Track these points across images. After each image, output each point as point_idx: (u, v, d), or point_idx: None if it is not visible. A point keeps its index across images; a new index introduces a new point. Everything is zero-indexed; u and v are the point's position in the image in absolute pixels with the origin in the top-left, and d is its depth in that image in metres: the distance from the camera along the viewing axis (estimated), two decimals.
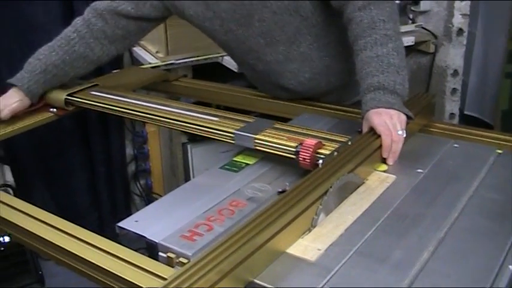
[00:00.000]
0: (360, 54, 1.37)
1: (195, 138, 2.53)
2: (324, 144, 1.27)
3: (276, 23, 1.52)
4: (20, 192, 2.72)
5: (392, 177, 1.23)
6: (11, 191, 2.68)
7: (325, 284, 0.90)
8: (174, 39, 2.38)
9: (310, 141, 1.25)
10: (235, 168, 1.33)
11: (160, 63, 2.36)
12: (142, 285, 0.95)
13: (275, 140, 1.31)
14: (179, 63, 2.40)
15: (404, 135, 1.29)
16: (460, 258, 0.96)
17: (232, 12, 1.52)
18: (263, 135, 1.34)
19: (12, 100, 1.66)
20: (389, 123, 1.28)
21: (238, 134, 1.36)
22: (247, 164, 1.35)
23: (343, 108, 1.62)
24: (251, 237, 0.93)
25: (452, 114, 2.86)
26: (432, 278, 0.91)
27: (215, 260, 0.88)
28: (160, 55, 2.41)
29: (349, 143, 1.27)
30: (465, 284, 0.90)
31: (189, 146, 2.57)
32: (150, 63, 2.38)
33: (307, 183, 1.09)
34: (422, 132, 1.46)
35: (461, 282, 0.90)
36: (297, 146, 1.26)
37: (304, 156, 1.24)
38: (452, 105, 2.86)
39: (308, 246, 1.00)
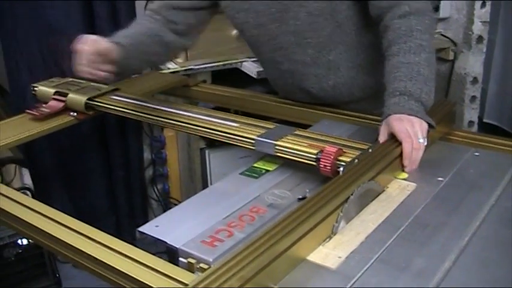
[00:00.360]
0: (392, 59, 1.37)
1: (213, 144, 2.53)
2: (345, 152, 1.27)
3: (310, 24, 1.52)
4: (39, 195, 2.73)
5: (412, 185, 1.23)
6: (29, 194, 2.69)
7: None
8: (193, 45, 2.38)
9: (331, 148, 1.25)
10: (255, 174, 1.33)
11: (179, 69, 2.37)
12: None
13: (296, 147, 1.31)
14: (198, 68, 2.40)
15: (425, 144, 1.28)
16: (482, 267, 0.95)
17: (269, 6, 1.52)
18: (283, 141, 1.34)
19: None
20: (411, 130, 1.27)
21: (259, 140, 1.37)
22: (267, 170, 1.35)
23: (362, 115, 1.62)
24: (272, 244, 0.93)
25: (471, 122, 2.85)
26: (454, 287, 0.91)
27: (236, 266, 0.88)
28: (179, 60, 2.42)
29: (370, 151, 1.26)
30: None
31: (207, 152, 2.58)
32: (169, 69, 2.39)
33: (328, 191, 1.09)
34: (443, 140, 1.45)
35: None
36: (317, 153, 1.26)
37: (325, 163, 1.23)
38: (471, 113, 2.85)
39: (329, 253, 1.00)
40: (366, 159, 1.22)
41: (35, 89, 1.90)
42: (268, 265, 0.91)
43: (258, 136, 1.37)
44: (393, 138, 1.29)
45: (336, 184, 1.12)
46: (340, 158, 1.25)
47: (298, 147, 1.30)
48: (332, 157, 1.23)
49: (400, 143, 1.27)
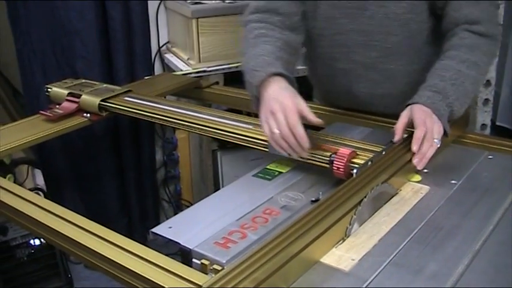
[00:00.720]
0: (445, 60, 1.38)
1: (225, 146, 2.53)
2: (358, 154, 1.27)
3: (383, 27, 1.48)
4: (51, 196, 2.75)
5: (426, 188, 1.23)
6: (41, 195, 2.70)
7: None
8: (206, 47, 2.39)
9: (345, 151, 1.25)
10: (268, 176, 1.33)
11: (191, 71, 2.37)
12: None
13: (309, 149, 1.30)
14: (211, 70, 2.40)
15: (438, 145, 1.27)
16: (496, 271, 0.95)
17: (346, 0, 1.48)
18: None
19: (287, 99, 1.28)
20: (429, 124, 1.27)
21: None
22: (280, 172, 1.35)
23: (375, 118, 1.61)
24: (286, 246, 0.93)
25: (483, 125, 2.83)
26: None
27: (250, 267, 0.89)
28: (192, 62, 2.42)
29: (383, 153, 1.26)
30: None
31: (219, 153, 2.58)
32: (181, 71, 2.39)
33: (341, 193, 1.09)
34: (456, 144, 1.45)
35: None
36: (331, 155, 1.26)
37: (338, 166, 1.23)
38: (484, 116, 2.83)
39: (342, 256, 1.00)
40: (380, 161, 1.22)
41: (49, 90, 1.90)
42: (281, 267, 0.91)
43: None
44: (407, 137, 1.29)
45: (349, 186, 1.12)
46: (354, 160, 1.24)
47: (312, 150, 1.29)
48: (345, 159, 1.23)
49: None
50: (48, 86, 1.92)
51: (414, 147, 1.25)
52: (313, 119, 1.27)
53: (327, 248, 1.02)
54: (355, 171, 1.20)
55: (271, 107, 1.27)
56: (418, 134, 1.25)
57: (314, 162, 1.29)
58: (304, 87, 1.54)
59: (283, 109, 1.25)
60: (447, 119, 1.31)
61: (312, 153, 1.29)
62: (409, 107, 1.32)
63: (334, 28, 1.53)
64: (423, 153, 1.25)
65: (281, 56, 1.41)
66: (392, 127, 1.34)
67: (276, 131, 1.25)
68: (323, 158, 1.27)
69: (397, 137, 1.30)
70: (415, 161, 1.25)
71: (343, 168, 1.23)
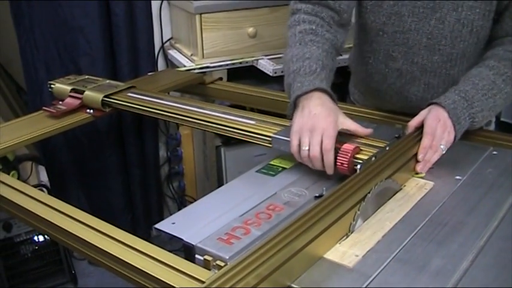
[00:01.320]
0: (483, 68, 1.36)
1: (229, 142, 2.53)
2: (362, 150, 1.26)
3: (452, 32, 1.42)
4: (54, 192, 2.75)
5: (430, 184, 1.22)
6: (45, 191, 2.71)
7: None
8: (209, 43, 2.39)
9: (349, 146, 1.24)
10: (272, 172, 1.32)
11: (195, 67, 2.37)
12: (179, 287, 0.95)
13: None
14: (214, 66, 2.40)
15: (444, 152, 1.28)
16: (501, 267, 0.95)
17: None
18: None
19: (324, 121, 1.24)
20: (439, 132, 1.27)
21: (276, 137, 1.35)
22: (283, 168, 1.34)
23: (381, 114, 1.61)
24: (289, 242, 0.93)
25: (488, 121, 2.82)
26: (473, 287, 0.90)
27: (253, 263, 0.88)
28: (195, 58, 2.42)
29: (387, 149, 1.26)
30: None
31: (222, 149, 2.58)
32: (185, 67, 2.39)
33: (345, 189, 1.08)
34: (460, 139, 1.43)
35: None
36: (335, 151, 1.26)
37: (342, 161, 1.22)
38: None
39: (346, 252, 0.99)
40: (383, 157, 1.22)
41: (52, 86, 1.90)
42: (284, 263, 0.91)
43: (275, 134, 1.37)
44: (416, 131, 1.31)
45: (353, 182, 1.11)
46: (358, 155, 1.24)
47: None
48: (349, 155, 1.22)
49: (418, 140, 1.28)
50: (51, 82, 1.91)
51: (420, 156, 1.27)
52: (362, 131, 1.30)
53: (331, 244, 1.02)
54: (358, 166, 1.20)
55: (311, 125, 1.23)
56: (425, 143, 1.27)
57: None
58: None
59: (322, 131, 1.22)
60: (464, 129, 1.31)
61: None
62: (430, 106, 1.32)
63: (397, 25, 1.47)
64: (427, 160, 1.28)
65: (327, 64, 1.37)
66: (397, 123, 1.34)
67: (305, 149, 1.23)
68: None
69: (412, 124, 1.33)
70: (418, 168, 1.27)
71: (347, 163, 1.22)
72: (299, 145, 1.24)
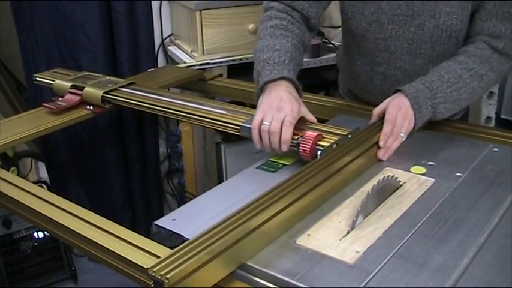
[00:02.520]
0: (451, 62, 1.40)
1: (229, 138, 2.53)
2: (324, 137, 1.30)
3: (432, 37, 1.46)
4: (54, 189, 2.75)
5: (431, 181, 1.22)
6: (45, 188, 2.71)
7: (363, 286, 0.89)
8: (209, 39, 2.39)
9: (311, 134, 1.28)
10: (272, 169, 1.33)
11: (195, 63, 2.36)
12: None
13: None
14: (214, 62, 2.40)
15: (404, 139, 1.33)
16: (502, 264, 0.94)
17: (395, 7, 1.46)
18: None
19: (289, 104, 1.32)
20: (399, 120, 1.32)
21: (244, 126, 1.40)
22: (284, 165, 1.34)
23: (364, 107, 1.62)
24: (244, 221, 0.98)
25: (488, 118, 2.82)
26: (473, 284, 0.90)
27: (207, 241, 0.94)
28: (195, 54, 2.42)
29: (349, 136, 1.31)
30: None
31: (222, 146, 2.57)
32: (185, 63, 2.39)
33: (304, 173, 1.13)
34: (461, 136, 1.44)
35: None
36: (298, 138, 1.29)
37: (304, 148, 1.27)
38: (489, 109, 2.82)
39: (346, 248, 0.99)
40: (345, 144, 1.26)
41: (37, 79, 1.90)
42: (238, 241, 0.96)
43: (243, 122, 1.41)
44: (379, 121, 1.35)
45: (312, 167, 1.15)
46: (320, 142, 1.29)
47: None
48: (311, 142, 1.27)
49: (381, 128, 1.32)
50: (36, 75, 1.97)
51: (381, 143, 1.31)
52: (311, 119, 1.38)
53: (287, 226, 1.06)
54: (319, 152, 1.25)
55: (278, 106, 1.31)
56: (385, 130, 1.32)
57: None
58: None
59: (286, 111, 1.30)
60: (425, 120, 1.35)
61: None
62: (394, 94, 1.36)
63: (378, 32, 1.52)
64: (388, 147, 1.31)
65: (295, 56, 1.44)
66: None
67: (267, 123, 1.29)
68: (291, 141, 1.30)
69: (371, 121, 1.38)
70: (380, 154, 1.31)
71: (309, 150, 1.27)
72: (261, 122, 1.31)
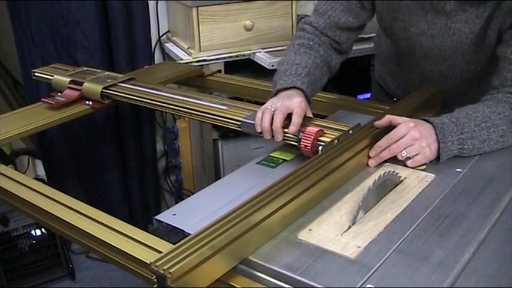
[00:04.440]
0: (479, 104, 1.34)
1: (226, 135, 2.53)
2: (325, 133, 1.30)
3: (462, 72, 1.53)
4: (52, 186, 2.74)
5: (431, 176, 1.22)
6: None
7: (365, 281, 0.89)
8: (206, 36, 2.38)
9: (312, 129, 1.28)
10: (272, 164, 1.33)
11: (192, 60, 2.36)
12: None
13: None
14: (211, 59, 2.39)
15: (403, 158, 1.26)
16: (502, 259, 0.95)
17: (428, 48, 1.51)
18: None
19: (299, 98, 1.37)
20: (409, 137, 1.25)
21: (245, 121, 1.40)
22: (284, 160, 1.35)
23: (379, 106, 1.62)
24: (245, 217, 0.98)
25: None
26: (475, 278, 0.90)
27: (209, 236, 0.93)
28: (192, 51, 2.41)
29: (350, 132, 1.30)
30: (509, 286, 0.88)
31: (220, 143, 2.57)
32: (182, 60, 2.39)
33: (305, 168, 1.13)
34: None
35: (504, 284, 0.89)
36: (299, 134, 1.29)
37: (306, 143, 1.27)
38: None
39: (348, 243, 0.99)
40: (346, 140, 1.26)
41: (37, 74, 1.91)
42: (240, 236, 0.96)
43: (244, 118, 1.41)
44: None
45: (313, 163, 1.15)
46: (321, 138, 1.29)
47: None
48: (312, 137, 1.27)
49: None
50: (35, 70, 1.95)
51: (371, 153, 1.29)
52: None
53: (289, 221, 1.06)
54: (320, 148, 1.25)
55: (288, 97, 1.36)
56: (380, 143, 1.28)
57: (285, 140, 1.34)
58: None
59: (296, 103, 1.33)
60: (452, 153, 1.28)
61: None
62: (418, 121, 1.29)
63: (413, 61, 1.58)
64: (380, 157, 1.28)
65: (313, 73, 1.48)
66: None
67: (272, 108, 1.33)
68: (292, 136, 1.31)
69: (379, 122, 1.34)
70: (370, 162, 1.29)
71: (310, 146, 1.27)
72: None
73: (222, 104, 1.53)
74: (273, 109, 1.33)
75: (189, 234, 1.03)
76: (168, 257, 0.89)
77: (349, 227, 1.04)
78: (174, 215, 1.13)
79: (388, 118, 1.32)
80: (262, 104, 1.41)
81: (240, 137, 2.47)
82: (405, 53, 1.60)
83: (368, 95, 2.58)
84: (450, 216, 1.07)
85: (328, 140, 1.27)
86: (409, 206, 1.11)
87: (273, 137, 1.33)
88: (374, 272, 0.91)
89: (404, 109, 1.42)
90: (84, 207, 1.21)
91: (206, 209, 1.13)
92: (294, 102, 1.33)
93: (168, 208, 1.19)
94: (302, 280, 0.91)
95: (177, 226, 1.08)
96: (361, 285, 0.89)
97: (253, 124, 1.36)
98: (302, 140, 1.28)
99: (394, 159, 1.28)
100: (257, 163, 1.34)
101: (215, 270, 0.94)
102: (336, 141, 1.27)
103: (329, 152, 1.20)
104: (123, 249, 1.05)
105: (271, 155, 1.37)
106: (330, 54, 1.57)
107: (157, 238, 1.06)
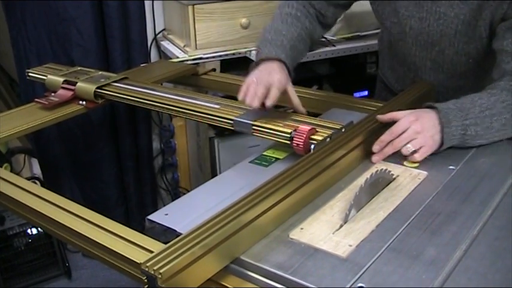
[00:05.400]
0: (483, 92, 1.33)
1: (223, 133, 2.53)
2: (318, 131, 1.30)
3: (452, 60, 1.54)
4: (48, 185, 2.75)
5: (424, 174, 1.22)
6: (38, 184, 2.70)
7: (356, 280, 0.89)
8: (202, 34, 2.38)
9: (304, 128, 1.28)
10: (265, 163, 1.33)
11: (188, 58, 2.36)
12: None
13: (271, 126, 1.35)
14: (207, 57, 2.39)
15: (409, 152, 1.25)
16: (494, 256, 0.95)
17: (418, 33, 1.53)
18: (261, 122, 1.37)
19: (279, 75, 1.42)
20: (410, 132, 1.25)
21: (238, 120, 1.40)
22: (277, 159, 1.34)
23: (370, 103, 1.62)
24: (237, 216, 0.97)
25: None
26: (467, 276, 0.90)
27: (201, 235, 0.93)
28: (188, 49, 2.41)
29: (343, 130, 1.30)
30: (501, 283, 0.88)
31: (216, 141, 2.57)
32: (178, 58, 2.38)
33: (297, 167, 1.12)
34: None
35: (496, 281, 0.89)
36: (291, 132, 1.30)
37: (298, 142, 1.27)
38: None
39: (339, 242, 0.99)
40: (338, 138, 1.25)
41: (31, 75, 1.90)
42: (232, 235, 0.96)
43: (237, 117, 1.41)
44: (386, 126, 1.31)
45: (305, 161, 1.15)
46: (313, 136, 1.28)
47: (274, 127, 1.35)
48: (305, 136, 1.27)
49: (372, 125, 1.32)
50: (29, 70, 1.95)
51: (375, 147, 1.29)
52: (297, 103, 1.46)
53: (280, 220, 1.06)
54: (312, 146, 1.25)
55: (269, 72, 1.41)
56: (383, 137, 1.28)
57: (276, 139, 1.34)
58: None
59: (276, 80, 1.38)
60: (455, 138, 1.28)
61: (274, 130, 1.34)
62: (420, 110, 1.30)
63: (405, 49, 1.61)
64: (384, 152, 1.28)
65: (297, 45, 1.54)
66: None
67: (255, 79, 1.39)
68: (284, 135, 1.32)
69: (381, 117, 1.34)
70: (373, 158, 1.28)
71: (303, 144, 1.27)
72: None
73: (215, 103, 1.53)
74: (256, 81, 1.38)
75: (182, 234, 1.04)
76: (159, 257, 0.89)
77: (341, 226, 1.04)
78: (166, 214, 1.13)
79: (390, 115, 1.32)
80: None
81: (236, 135, 2.47)
82: (397, 40, 1.61)
83: (365, 93, 2.59)
84: (442, 213, 1.07)
85: (320, 138, 1.27)
86: (402, 203, 1.11)
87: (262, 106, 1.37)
88: (365, 270, 0.91)
89: (399, 105, 1.42)
90: (78, 208, 1.20)
91: (198, 208, 1.12)
92: (275, 78, 1.39)
93: (164, 206, 1.19)
94: (293, 279, 0.91)
95: (169, 226, 1.08)
96: (353, 283, 0.89)
97: (246, 123, 1.37)
98: (294, 139, 1.28)
99: (387, 156, 1.28)
100: (250, 162, 1.34)
101: (206, 270, 0.94)
102: (328, 139, 1.27)
103: (321, 150, 1.20)
104: (115, 249, 1.04)
105: (264, 153, 1.37)
106: (315, 27, 1.62)
107: (150, 238, 1.06)
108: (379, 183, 1.16)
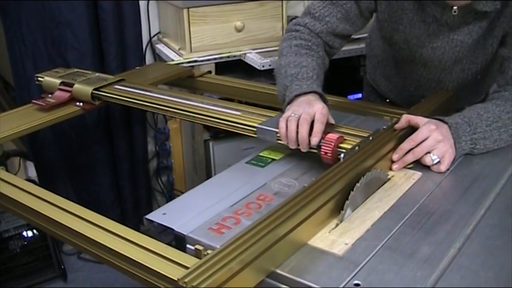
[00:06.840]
0: (488, 103, 1.36)
1: (218, 136, 2.54)
2: (346, 139, 1.27)
3: (458, 78, 1.57)
4: (43, 187, 2.73)
5: (418, 174, 1.23)
6: None
7: (352, 277, 0.90)
8: (197, 37, 2.39)
9: (332, 136, 1.25)
10: (261, 163, 1.33)
11: (183, 61, 2.37)
12: (168, 275, 0.95)
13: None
14: (202, 60, 2.40)
15: (434, 163, 1.25)
16: (488, 254, 0.96)
17: (428, 59, 1.54)
18: None
19: (320, 105, 1.32)
20: (431, 140, 1.25)
21: (261, 128, 1.36)
22: (273, 159, 1.35)
23: (369, 105, 1.63)
24: (273, 228, 0.95)
25: None
26: (460, 273, 0.91)
27: (237, 249, 0.90)
28: (183, 52, 2.42)
29: (371, 138, 1.28)
30: (493, 281, 0.90)
31: (211, 143, 2.58)
32: (173, 61, 2.39)
33: (328, 177, 1.10)
34: None
35: (489, 279, 0.90)
36: (319, 140, 1.26)
37: (326, 151, 1.24)
38: None
39: (335, 240, 1.00)
40: (367, 146, 1.24)
41: (40, 79, 1.90)
42: (268, 249, 0.93)
43: (260, 124, 1.37)
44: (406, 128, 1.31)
45: (336, 171, 1.13)
46: (341, 145, 1.25)
47: None
48: (333, 144, 1.23)
49: (405, 132, 1.29)
50: (39, 75, 1.91)
51: (394, 156, 1.27)
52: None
53: (314, 231, 1.04)
54: (342, 155, 1.22)
55: (309, 103, 1.30)
56: (403, 145, 1.27)
57: None
58: None
59: (318, 109, 1.28)
60: (464, 152, 1.29)
61: None
62: (437, 121, 1.30)
63: (409, 71, 1.63)
64: (404, 160, 1.27)
65: (319, 74, 1.45)
66: (385, 114, 1.35)
67: (296, 115, 1.27)
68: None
69: (398, 125, 1.33)
70: (394, 167, 1.27)
71: (331, 153, 1.23)
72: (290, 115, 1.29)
73: (213, 105, 1.54)
74: (296, 117, 1.27)
75: (179, 232, 1.05)
76: (197, 272, 0.86)
77: (337, 225, 1.05)
78: (164, 214, 1.14)
79: (407, 118, 1.32)
80: (252, 104, 1.41)
81: (231, 137, 2.48)
82: (404, 61, 1.61)
83: (359, 95, 2.60)
84: (436, 213, 1.08)
85: (348, 146, 1.24)
86: (396, 203, 1.12)
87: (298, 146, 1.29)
88: (361, 268, 0.93)
89: (421, 113, 1.39)
90: (76, 207, 1.21)
91: (196, 208, 1.14)
92: (316, 109, 1.28)
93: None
94: (290, 277, 0.92)
95: (167, 225, 1.09)
96: (349, 281, 0.90)
97: (271, 131, 1.33)
98: (322, 147, 1.24)
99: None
100: (246, 163, 1.35)
101: (243, 285, 0.91)
102: (356, 147, 1.24)
103: (351, 159, 1.18)
104: (114, 248, 1.05)
105: (260, 154, 1.38)
106: (324, 56, 1.56)
107: (150, 238, 1.06)
108: (374, 183, 1.17)
